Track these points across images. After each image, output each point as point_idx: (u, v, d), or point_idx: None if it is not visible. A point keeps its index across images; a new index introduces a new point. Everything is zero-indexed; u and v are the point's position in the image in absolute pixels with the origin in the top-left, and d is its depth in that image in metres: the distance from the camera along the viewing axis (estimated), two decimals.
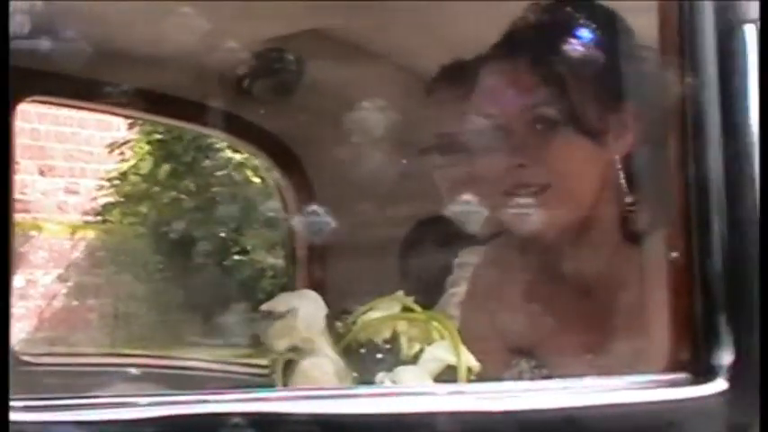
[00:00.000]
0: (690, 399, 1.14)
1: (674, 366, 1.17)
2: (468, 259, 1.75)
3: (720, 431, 1.15)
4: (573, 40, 1.55)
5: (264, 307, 1.34)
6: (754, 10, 1.18)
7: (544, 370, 1.58)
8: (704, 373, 1.15)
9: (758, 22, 1.18)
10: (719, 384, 1.14)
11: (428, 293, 1.68)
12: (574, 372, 1.48)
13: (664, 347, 1.19)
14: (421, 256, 1.94)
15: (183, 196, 8.09)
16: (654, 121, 1.51)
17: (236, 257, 7.87)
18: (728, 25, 1.18)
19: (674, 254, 1.18)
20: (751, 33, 1.18)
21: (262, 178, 6.19)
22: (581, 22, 1.56)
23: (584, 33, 1.55)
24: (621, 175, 1.55)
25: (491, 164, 1.57)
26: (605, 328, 1.56)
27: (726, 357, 1.14)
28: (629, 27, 1.57)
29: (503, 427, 1.10)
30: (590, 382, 1.18)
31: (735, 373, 1.14)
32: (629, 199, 1.56)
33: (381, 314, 1.34)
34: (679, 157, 1.17)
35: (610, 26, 1.56)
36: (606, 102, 1.55)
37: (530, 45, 1.56)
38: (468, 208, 1.60)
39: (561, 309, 1.60)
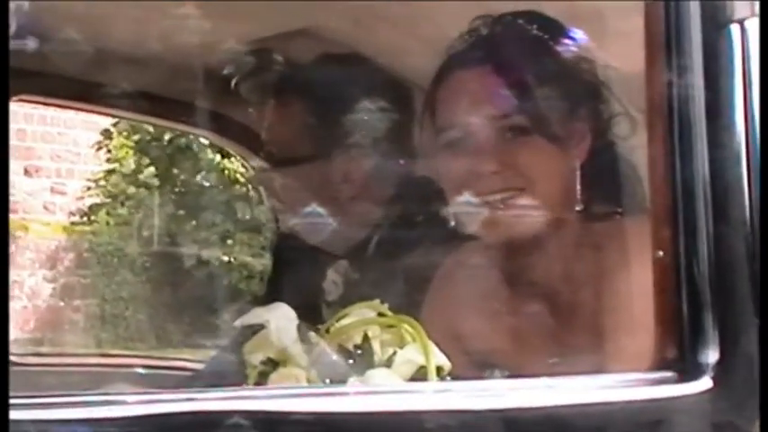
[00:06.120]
0: (675, 397, 1.15)
1: (659, 365, 1.17)
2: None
3: (706, 429, 1.16)
4: (531, 50, 1.59)
5: (237, 323, 1.34)
6: (740, 10, 1.19)
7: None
8: (690, 371, 1.15)
9: (759, 23, 1.19)
10: (705, 383, 1.14)
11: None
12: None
13: (650, 346, 1.19)
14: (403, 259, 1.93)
15: (172, 196, 8.08)
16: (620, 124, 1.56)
17: (224, 259, 7.87)
18: (715, 25, 1.19)
19: (660, 253, 1.18)
20: (737, 33, 1.19)
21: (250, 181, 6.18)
22: (534, 33, 1.60)
23: (541, 43, 1.60)
24: (579, 179, 1.58)
25: (463, 172, 1.59)
26: (587, 330, 1.57)
27: (712, 356, 1.15)
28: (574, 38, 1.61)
29: (487, 426, 1.10)
30: (575, 380, 1.18)
31: (720, 372, 1.14)
32: (593, 203, 1.58)
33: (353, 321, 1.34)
34: (666, 156, 1.18)
35: (559, 36, 1.60)
36: (565, 109, 1.58)
37: (491, 56, 1.60)
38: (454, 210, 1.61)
39: (534, 315, 1.61)
